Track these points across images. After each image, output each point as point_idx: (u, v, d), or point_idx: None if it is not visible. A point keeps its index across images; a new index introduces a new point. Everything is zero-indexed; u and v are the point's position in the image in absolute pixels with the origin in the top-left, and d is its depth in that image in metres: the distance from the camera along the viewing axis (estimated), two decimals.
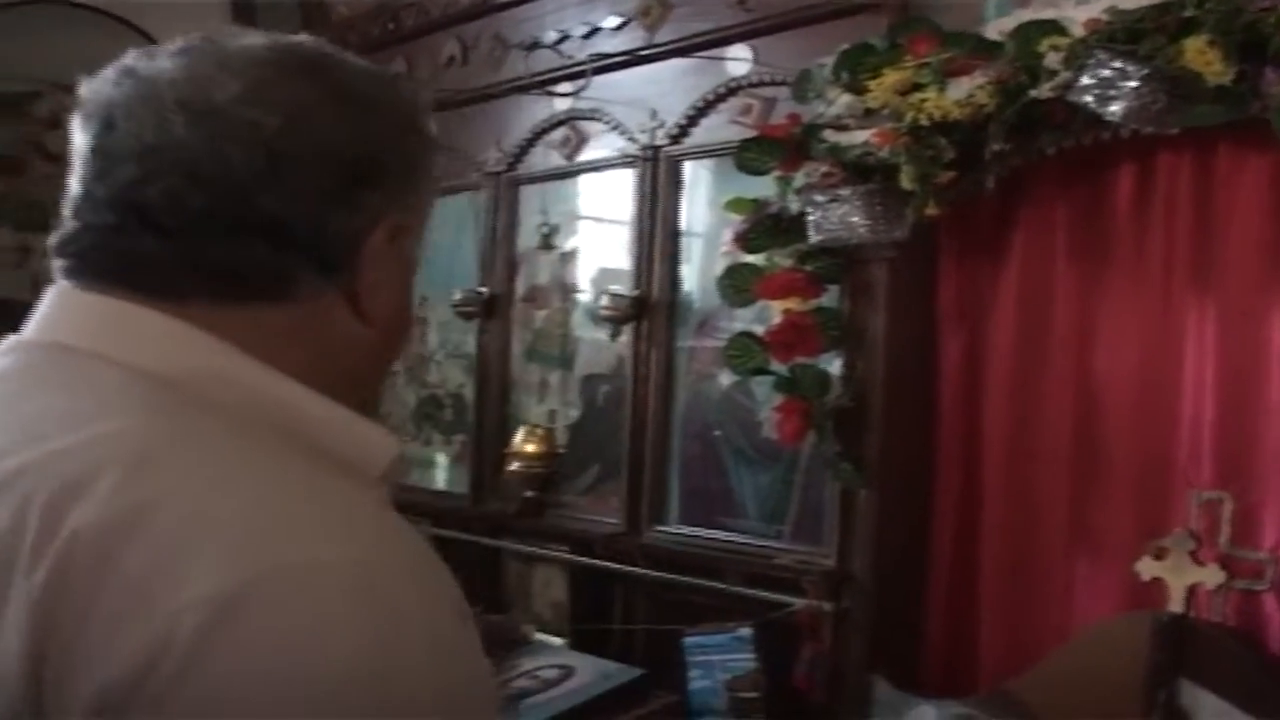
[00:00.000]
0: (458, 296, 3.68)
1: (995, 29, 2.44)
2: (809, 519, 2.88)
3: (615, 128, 3.30)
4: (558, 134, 3.51)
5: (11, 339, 1.05)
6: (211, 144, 1.00)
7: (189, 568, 0.84)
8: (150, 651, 0.82)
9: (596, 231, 3.50)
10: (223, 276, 1.01)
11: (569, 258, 3.51)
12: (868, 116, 2.55)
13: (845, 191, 2.48)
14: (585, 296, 3.45)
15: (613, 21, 3.32)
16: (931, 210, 2.43)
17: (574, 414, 3.43)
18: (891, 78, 2.47)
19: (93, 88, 1.05)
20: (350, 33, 4.21)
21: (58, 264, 1.06)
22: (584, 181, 3.53)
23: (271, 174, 1.00)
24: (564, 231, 3.44)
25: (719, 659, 2.84)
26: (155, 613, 0.82)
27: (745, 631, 2.83)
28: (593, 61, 3.27)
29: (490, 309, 3.66)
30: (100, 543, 0.85)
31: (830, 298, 2.72)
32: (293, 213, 1.01)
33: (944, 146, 2.39)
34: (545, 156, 3.56)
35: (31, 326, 1.06)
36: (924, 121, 2.38)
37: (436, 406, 3.93)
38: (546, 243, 3.51)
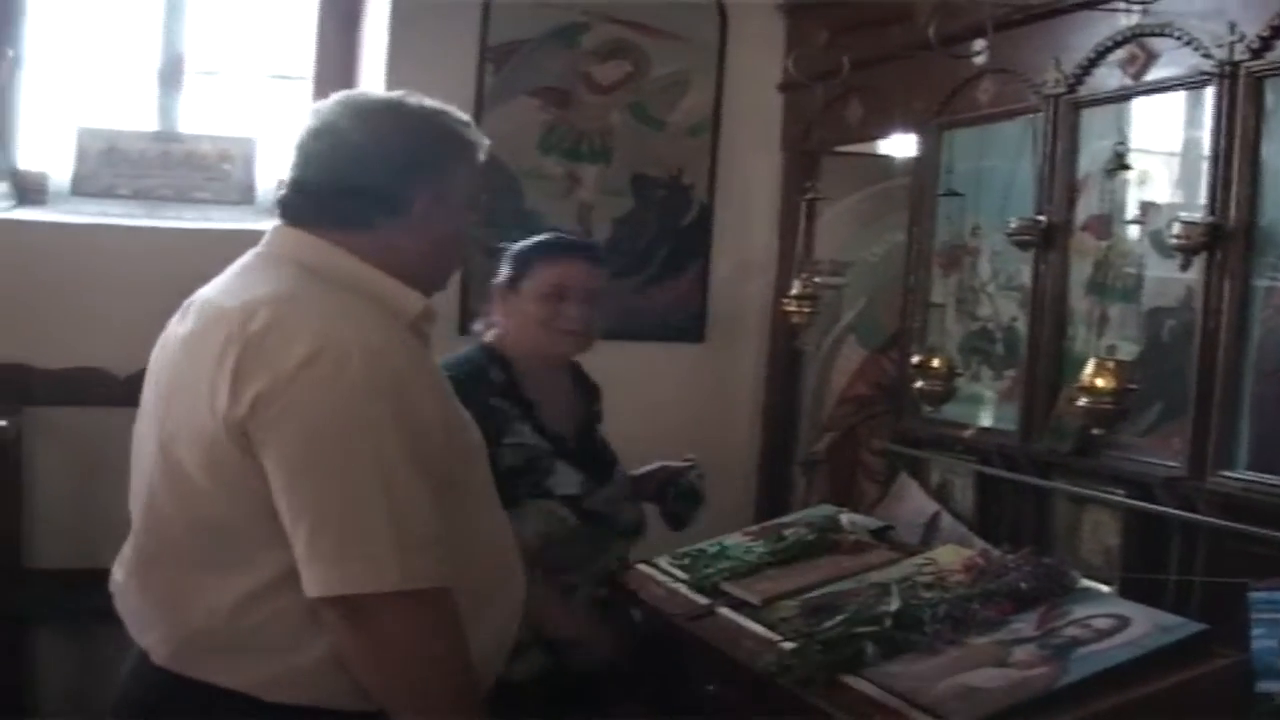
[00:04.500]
0: (1013, 225, 3.52)
1: None
2: None
3: (1188, 43, 3.05)
4: (1121, 52, 3.28)
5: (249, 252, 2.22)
6: (331, 149, 2.11)
7: (294, 343, 1.96)
8: (276, 377, 1.94)
9: (1166, 156, 3.25)
10: (336, 215, 2.11)
11: (1135, 184, 3.27)
12: None
13: None
14: (1153, 225, 3.21)
15: None
16: None
17: (1134, 349, 3.21)
18: None
19: (303, 118, 2.19)
20: None
21: (276, 212, 2.20)
22: (1151, 102, 3.28)
23: (358, 164, 2.10)
24: (1130, 156, 3.20)
25: None
26: (282, 362, 1.94)
27: None
28: None
29: (1048, 239, 3.49)
30: (262, 337, 1.98)
31: None
32: (371, 184, 2.10)
33: None
34: (1108, 77, 3.35)
35: (260, 244, 2.20)
36: None
37: (987, 340, 3.81)
38: (1111, 169, 3.29)
